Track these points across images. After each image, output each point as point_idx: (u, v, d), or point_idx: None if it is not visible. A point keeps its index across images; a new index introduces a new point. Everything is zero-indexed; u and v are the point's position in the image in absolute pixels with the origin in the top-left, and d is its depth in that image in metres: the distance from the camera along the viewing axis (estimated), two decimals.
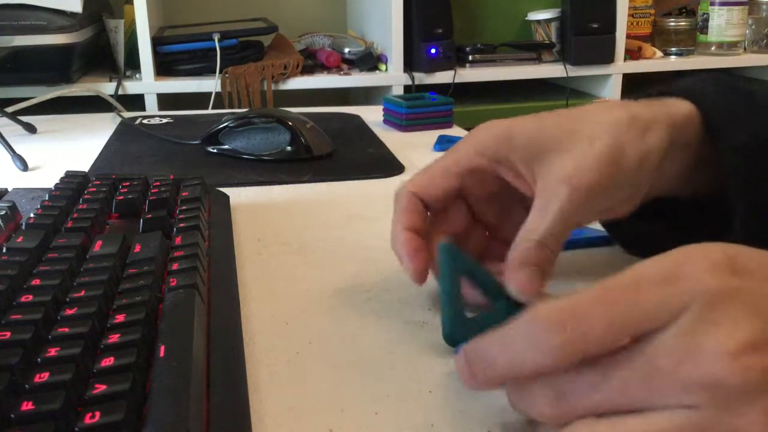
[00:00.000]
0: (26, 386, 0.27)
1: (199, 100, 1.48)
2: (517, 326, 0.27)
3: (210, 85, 1.48)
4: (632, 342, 0.26)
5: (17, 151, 0.74)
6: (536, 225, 0.37)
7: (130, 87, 1.47)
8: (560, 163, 0.37)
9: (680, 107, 0.40)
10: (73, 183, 0.53)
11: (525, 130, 0.38)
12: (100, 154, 0.78)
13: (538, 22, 1.80)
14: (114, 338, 0.30)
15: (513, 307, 0.35)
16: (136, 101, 1.44)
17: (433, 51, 1.61)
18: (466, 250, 0.40)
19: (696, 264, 0.25)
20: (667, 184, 0.42)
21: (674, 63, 1.86)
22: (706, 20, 1.87)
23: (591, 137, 0.37)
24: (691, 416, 0.24)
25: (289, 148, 0.74)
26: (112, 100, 1.08)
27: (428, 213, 0.41)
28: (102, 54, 1.57)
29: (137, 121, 0.94)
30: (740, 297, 0.24)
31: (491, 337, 0.28)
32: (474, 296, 0.37)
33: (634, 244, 0.48)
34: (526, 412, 0.29)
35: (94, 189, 0.52)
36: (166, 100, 1.54)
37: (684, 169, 0.42)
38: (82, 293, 0.34)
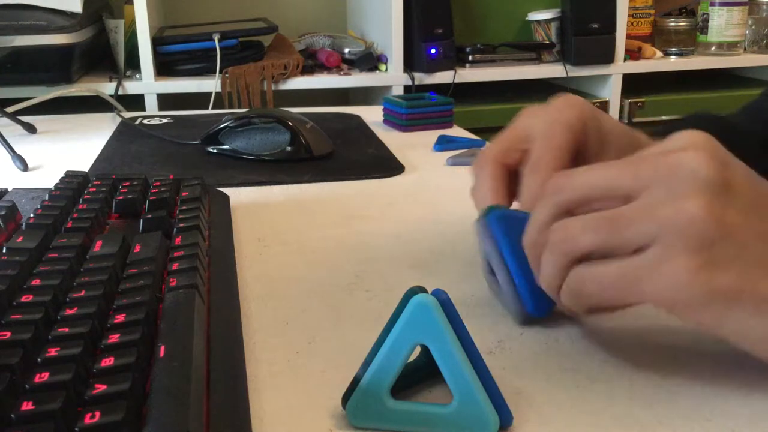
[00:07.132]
0: (26, 386, 0.27)
1: (199, 100, 1.48)
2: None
3: (210, 85, 1.49)
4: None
5: (17, 151, 0.74)
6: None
7: (130, 87, 1.47)
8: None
9: None
10: (73, 183, 0.53)
11: (609, 124, 0.45)
12: (100, 154, 0.78)
13: (538, 22, 1.80)
14: (114, 338, 0.30)
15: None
16: (136, 101, 1.44)
17: (433, 51, 1.61)
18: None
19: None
20: None
21: (674, 63, 1.86)
22: (706, 20, 1.87)
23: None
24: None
25: (289, 148, 0.74)
26: (112, 100, 1.08)
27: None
28: (102, 54, 1.57)
29: (137, 121, 0.94)
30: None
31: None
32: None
33: None
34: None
35: (94, 189, 0.52)
36: (166, 100, 1.54)
37: None
38: (82, 293, 0.34)
